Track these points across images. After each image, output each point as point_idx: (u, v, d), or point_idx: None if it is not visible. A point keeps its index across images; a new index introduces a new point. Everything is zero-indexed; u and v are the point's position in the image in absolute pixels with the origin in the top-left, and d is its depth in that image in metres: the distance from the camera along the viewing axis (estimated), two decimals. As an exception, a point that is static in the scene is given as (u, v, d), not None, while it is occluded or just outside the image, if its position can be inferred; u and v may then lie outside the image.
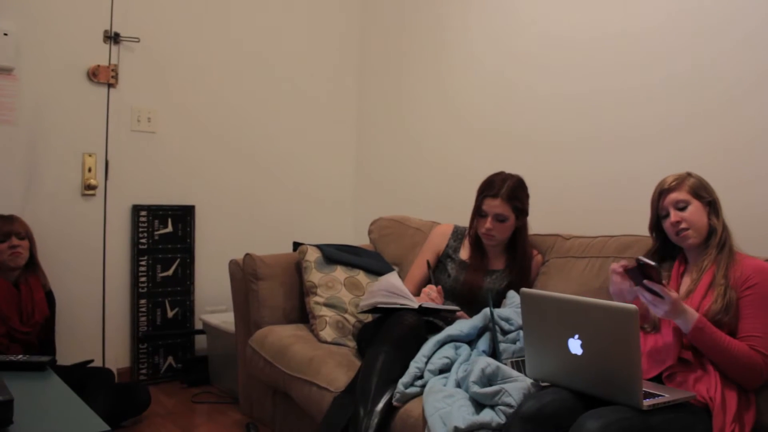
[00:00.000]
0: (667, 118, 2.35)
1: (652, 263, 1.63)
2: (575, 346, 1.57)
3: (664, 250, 1.90)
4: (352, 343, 2.43)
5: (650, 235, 1.94)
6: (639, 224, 2.26)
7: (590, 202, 2.61)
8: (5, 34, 2.72)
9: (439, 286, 2.34)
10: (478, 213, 2.33)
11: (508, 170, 2.36)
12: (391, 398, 1.89)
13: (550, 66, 2.76)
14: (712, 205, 1.80)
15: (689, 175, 1.84)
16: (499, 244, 2.38)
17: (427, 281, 2.41)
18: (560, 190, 2.68)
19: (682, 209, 1.79)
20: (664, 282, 1.65)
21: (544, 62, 2.78)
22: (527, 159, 2.80)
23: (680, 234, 1.80)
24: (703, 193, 1.81)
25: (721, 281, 1.71)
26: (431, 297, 2.25)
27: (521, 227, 2.36)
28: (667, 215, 1.82)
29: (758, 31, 2.12)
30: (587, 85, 2.62)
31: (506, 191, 2.26)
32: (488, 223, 2.29)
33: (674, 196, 1.81)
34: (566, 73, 2.70)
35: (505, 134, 2.97)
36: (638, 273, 1.67)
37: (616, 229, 2.32)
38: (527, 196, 2.34)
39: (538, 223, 2.42)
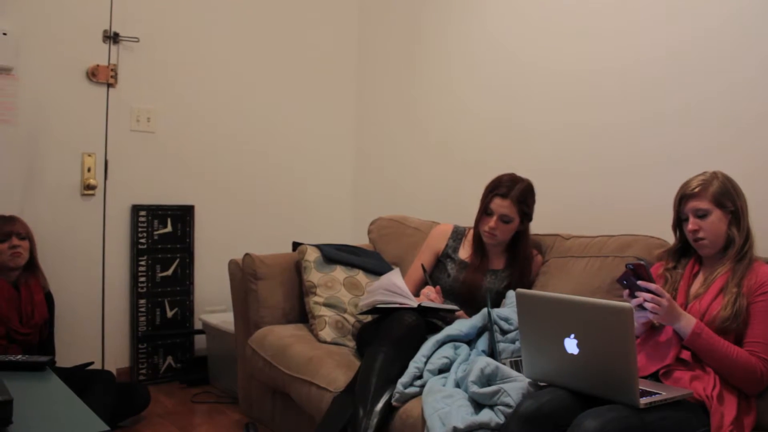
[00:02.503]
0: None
1: (642, 262, 1.64)
2: (571, 345, 1.57)
3: (684, 249, 1.88)
4: (352, 343, 2.43)
5: (673, 234, 1.90)
6: (638, 223, 2.29)
7: (589, 203, 2.61)
8: (4, 34, 2.72)
9: (438, 286, 2.34)
10: (484, 211, 2.33)
11: (509, 168, 2.36)
12: (390, 398, 1.89)
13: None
14: (734, 215, 1.75)
15: (716, 177, 1.77)
16: (499, 244, 2.38)
17: (424, 283, 2.41)
18: (560, 190, 2.68)
19: (702, 217, 1.75)
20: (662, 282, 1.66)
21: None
22: (528, 157, 2.81)
23: (697, 242, 1.78)
24: (727, 202, 1.74)
25: (734, 289, 1.69)
26: (430, 297, 2.26)
27: (523, 230, 2.36)
28: (687, 219, 1.79)
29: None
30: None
31: (516, 193, 2.26)
32: (492, 222, 2.29)
33: (695, 203, 1.76)
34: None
35: (505, 134, 2.98)
36: (631, 277, 1.67)
37: (616, 229, 2.32)
38: (534, 201, 2.34)
39: (537, 222, 2.42)
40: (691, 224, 1.77)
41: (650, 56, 2.40)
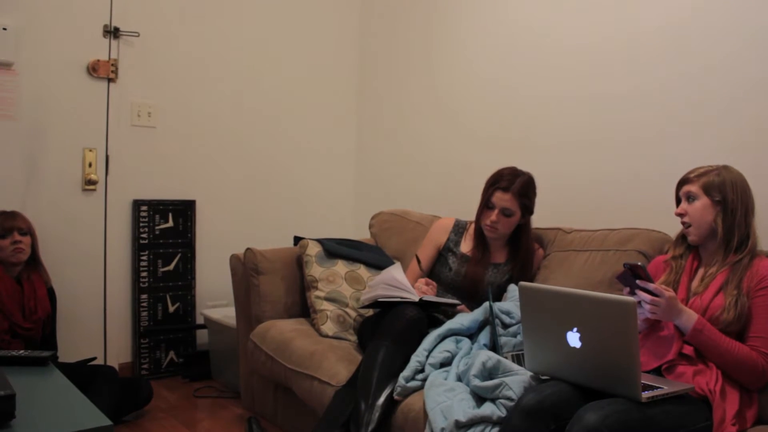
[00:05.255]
0: (669, 119, 2.35)
1: (639, 263, 1.64)
2: (574, 339, 1.57)
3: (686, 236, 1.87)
4: (353, 337, 2.43)
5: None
6: (640, 217, 2.29)
7: (591, 196, 2.61)
8: (4, 29, 2.72)
9: (426, 278, 2.34)
10: (485, 205, 2.33)
11: (508, 163, 2.36)
12: (392, 392, 1.90)
13: (549, 69, 2.77)
14: (724, 208, 1.74)
15: (719, 168, 1.77)
16: (500, 238, 2.37)
17: (425, 275, 2.41)
18: (561, 183, 2.68)
19: (690, 202, 1.78)
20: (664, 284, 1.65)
21: (541, 65, 2.79)
22: (527, 153, 2.80)
23: (684, 227, 1.80)
24: (714, 192, 1.74)
25: (733, 291, 1.68)
26: (422, 290, 2.26)
27: (525, 223, 2.36)
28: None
29: (758, 35, 2.11)
30: (588, 88, 2.62)
31: (518, 187, 2.26)
32: (494, 216, 2.28)
33: (687, 187, 1.79)
34: (565, 76, 2.70)
35: (506, 128, 2.97)
36: (630, 276, 1.67)
37: (617, 223, 2.31)
38: (535, 195, 2.33)
39: (539, 216, 2.42)
40: (679, 209, 1.80)
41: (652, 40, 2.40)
